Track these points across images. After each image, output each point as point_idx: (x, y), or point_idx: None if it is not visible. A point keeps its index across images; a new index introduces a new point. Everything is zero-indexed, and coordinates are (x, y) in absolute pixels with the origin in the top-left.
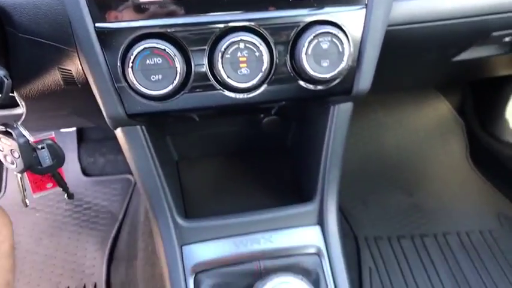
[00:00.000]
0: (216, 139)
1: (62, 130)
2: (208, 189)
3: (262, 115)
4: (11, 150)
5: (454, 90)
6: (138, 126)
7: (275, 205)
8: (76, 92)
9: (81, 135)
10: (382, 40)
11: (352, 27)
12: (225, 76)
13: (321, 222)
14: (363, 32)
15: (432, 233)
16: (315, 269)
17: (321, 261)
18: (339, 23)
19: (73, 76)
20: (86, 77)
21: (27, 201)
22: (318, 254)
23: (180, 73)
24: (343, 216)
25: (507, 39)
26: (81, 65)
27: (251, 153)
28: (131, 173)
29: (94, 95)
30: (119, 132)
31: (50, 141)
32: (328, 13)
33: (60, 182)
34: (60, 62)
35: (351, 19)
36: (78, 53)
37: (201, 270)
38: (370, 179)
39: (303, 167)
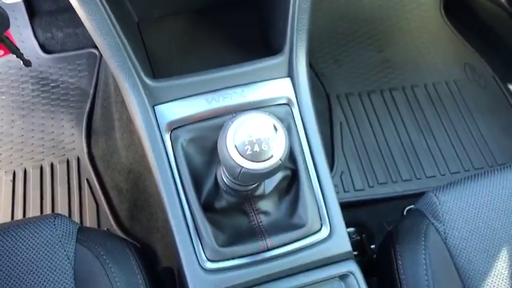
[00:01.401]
0: None
1: (6, 1)
2: (174, 50)
3: None
4: None
5: None
6: None
7: (245, 61)
8: None
9: (31, 8)
10: None
11: None
12: None
13: (291, 73)
14: None
15: (401, 86)
16: (286, 118)
17: (292, 110)
18: None
19: None
20: None
21: None
22: (288, 103)
23: None
24: (316, 76)
25: None
26: None
27: (216, 8)
28: (95, 47)
29: None
30: None
31: None
32: None
33: (12, 48)
34: None
35: None
36: None
37: (176, 127)
38: (342, 37)
39: (271, 18)
